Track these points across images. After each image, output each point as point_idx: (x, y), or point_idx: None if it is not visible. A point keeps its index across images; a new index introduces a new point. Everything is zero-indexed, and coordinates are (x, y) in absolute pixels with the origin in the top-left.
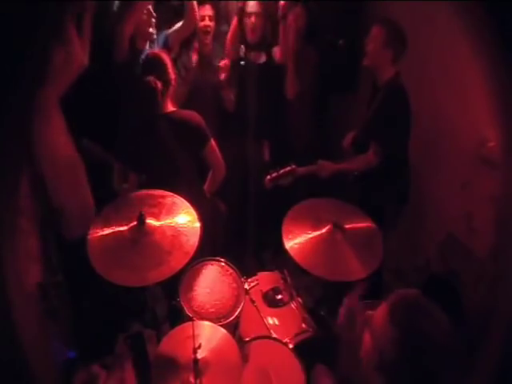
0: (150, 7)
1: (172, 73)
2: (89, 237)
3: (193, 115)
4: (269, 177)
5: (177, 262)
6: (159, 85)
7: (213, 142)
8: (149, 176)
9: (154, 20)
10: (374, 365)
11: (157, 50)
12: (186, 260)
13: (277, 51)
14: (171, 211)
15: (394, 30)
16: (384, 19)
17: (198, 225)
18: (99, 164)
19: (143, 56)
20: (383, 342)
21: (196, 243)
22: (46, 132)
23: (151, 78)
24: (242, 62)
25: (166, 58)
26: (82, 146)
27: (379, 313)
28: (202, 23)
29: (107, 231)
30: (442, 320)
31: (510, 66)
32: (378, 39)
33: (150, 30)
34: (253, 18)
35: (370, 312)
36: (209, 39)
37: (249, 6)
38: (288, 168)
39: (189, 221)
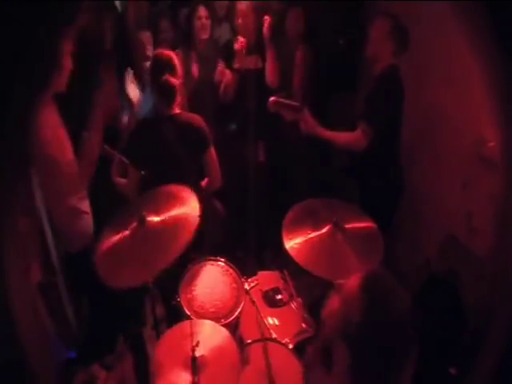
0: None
1: (181, 75)
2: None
3: (197, 119)
4: (274, 98)
5: (179, 247)
6: (176, 82)
7: (213, 149)
8: (150, 175)
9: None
10: (339, 332)
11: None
12: (187, 244)
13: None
14: (171, 204)
15: (398, 24)
16: (388, 12)
17: (197, 206)
18: (101, 158)
19: (152, 56)
20: (352, 309)
21: (196, 225)
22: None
23: (168, 77)
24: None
25: (176, 58)
26: (83, 138)
27: (352, 281)
28: (198, 21)
29: (113, 238)
30: (407, 298)
31: (510, 66)
32: (381, 29)
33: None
34: (240, 19)
35: (340, 281)
36: (205, 35)
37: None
38: (293, 103)
39: (189, 209)
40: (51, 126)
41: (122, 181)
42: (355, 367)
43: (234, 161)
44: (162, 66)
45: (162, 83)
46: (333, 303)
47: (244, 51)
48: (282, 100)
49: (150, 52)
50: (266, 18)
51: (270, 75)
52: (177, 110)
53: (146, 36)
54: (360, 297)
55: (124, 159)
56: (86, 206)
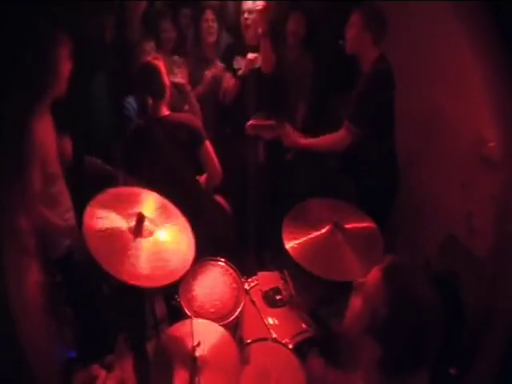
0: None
1: (166, 79)
2: None
3: (187, 117)
4: (250, 122)
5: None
6: (150, 102)
7: (208, 144)
8: (148, 180)
9: None
10: (366, 327)
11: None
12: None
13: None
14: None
15: (371, 12)
16: (361, 5)
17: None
18: (101, 177)
19: (137, 66)
20: (376, 302)
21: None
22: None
23: (147, 97)
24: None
25: (160, 65)
26: (85, 162)
27: (372, 275)
28: (205, 24)
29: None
30: (429, 286)
31: (510, 66)
32: (356, 25)
33: None
34: (246, 14)
35: (361, 280)
36: (212, 39)
37: (244, 4)
38: (268, 122)
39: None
40: (44, 136)
41: None
42: (385, 359)
43: (234, 161)
44: (143, 79)
45: (141, 98)
46: (355, 304)
47: (253, 63)
48: (257, 123)
49: None
50: (260, 3)
51: (264, 62)
52: (166, 112)
53: (150, 46)
54: (383, 288)
55: (123, 173)
56: (70, 216)
